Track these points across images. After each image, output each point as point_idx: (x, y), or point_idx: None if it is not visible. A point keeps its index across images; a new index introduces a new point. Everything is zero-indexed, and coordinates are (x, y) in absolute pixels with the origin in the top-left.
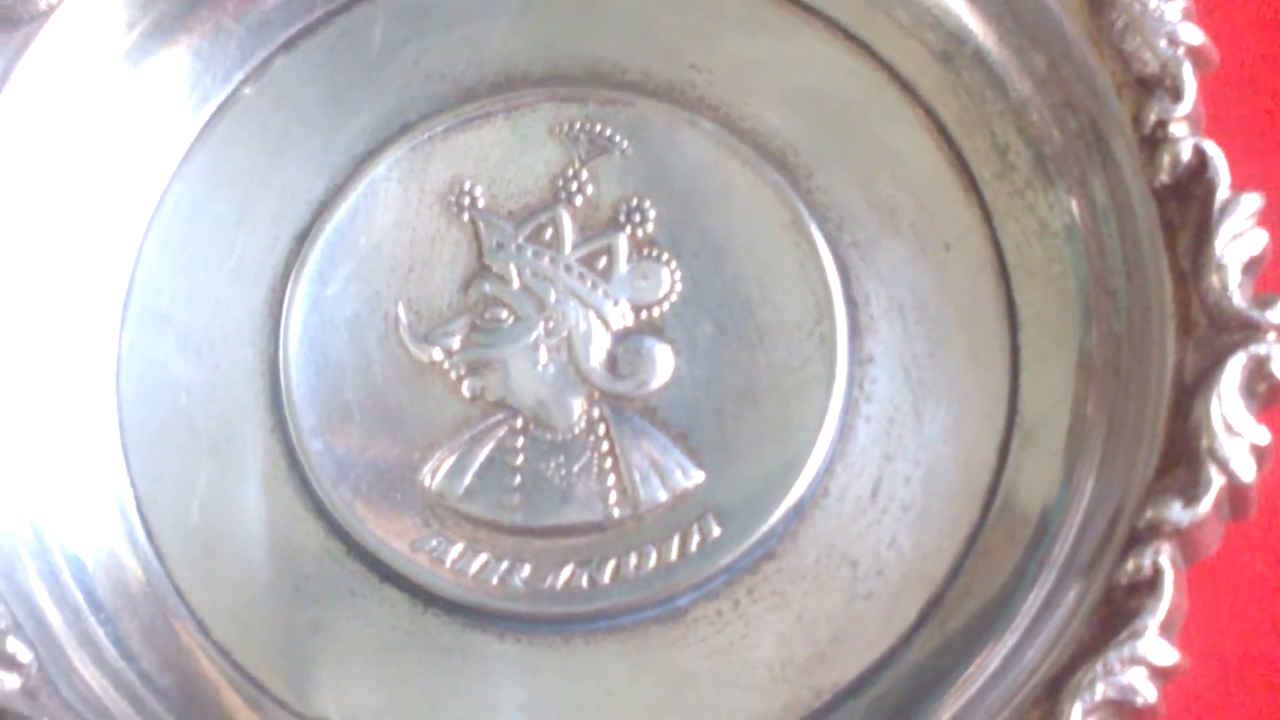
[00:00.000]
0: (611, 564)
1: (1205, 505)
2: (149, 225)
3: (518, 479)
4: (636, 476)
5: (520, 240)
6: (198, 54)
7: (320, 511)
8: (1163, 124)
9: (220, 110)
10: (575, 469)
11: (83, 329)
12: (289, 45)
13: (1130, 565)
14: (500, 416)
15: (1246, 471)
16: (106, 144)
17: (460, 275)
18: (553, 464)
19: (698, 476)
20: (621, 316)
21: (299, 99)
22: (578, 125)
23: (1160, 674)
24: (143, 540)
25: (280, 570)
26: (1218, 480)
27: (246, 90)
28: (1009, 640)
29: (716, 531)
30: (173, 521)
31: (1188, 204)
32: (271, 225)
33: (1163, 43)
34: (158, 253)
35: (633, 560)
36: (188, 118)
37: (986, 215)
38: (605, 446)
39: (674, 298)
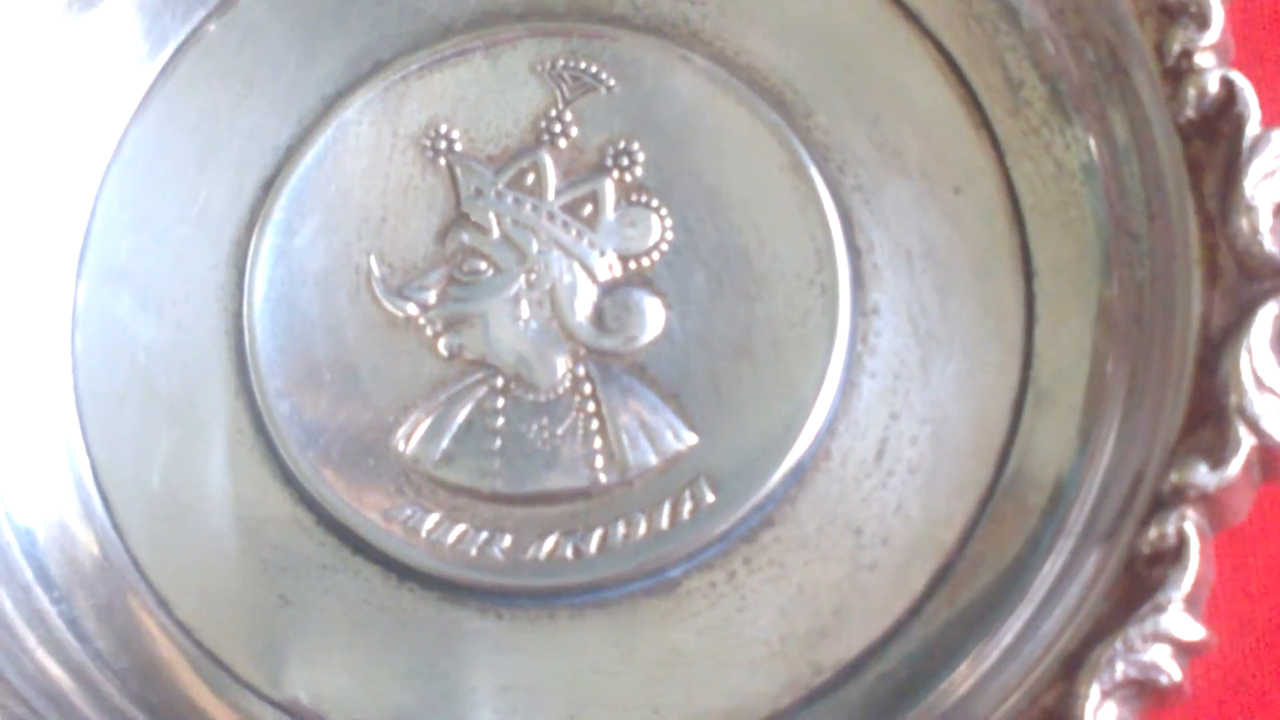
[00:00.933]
0: (598, 533)
1: (1234, 467)
2: (105, 174)
3: (498, 442)
4: (625, 439)
5: (500, 186)
6: None
7: (288, 479)
8: (1187, 54)
9: (181, 50)
10: (559, 431)
11: (35, 285)
12: None
13: (1153, 533)
14: (479, 376)
15: (1278, 430)
16: (58, 87)
17: (436, 224)
18: (535, 426)
19: (690, 438)
20: (608, 267)
21: (265, 36)
22: (561, 62)
23: (1185, 650)
24: (99, 511)
25: (246, 542)
26: (1247, 440)
27: (210, 27)
28: (1023, 614)
29: (710, 497)
30: (131, 491)
31: (1215, 141)
32: (236, 172)
33: None
34: (115, 203)
35: (621, 529)
36: (145, 59)
37: (999, 155)
38: (591, 407)
39: (664, 247)
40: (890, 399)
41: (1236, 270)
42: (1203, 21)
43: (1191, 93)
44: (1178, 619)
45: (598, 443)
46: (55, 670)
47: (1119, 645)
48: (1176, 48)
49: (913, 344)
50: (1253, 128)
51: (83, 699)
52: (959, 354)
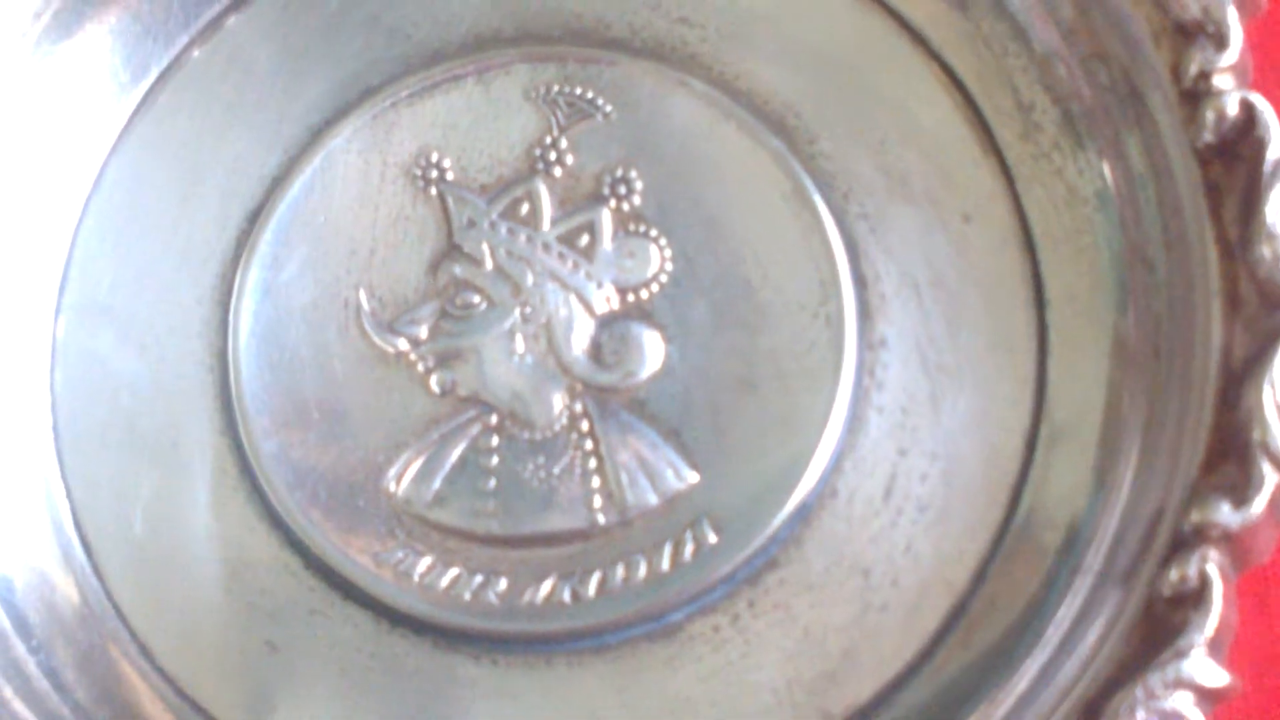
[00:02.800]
0: (597, 576)
1: (1258, 506)
2: (86, 206)
3: (493, 483)
4: (624, 478)
5: (494, 217)
6: (136, 15)
7: (275, 521)
8: (1205, 76)
9: (163, 77)
10: (556, 470)
11: (13, 320)
12: (240, 1)
13: (1174, 574)
14: (473, 413)
15: None
16: (37, 117)
17: (428, 256)
18: (531, 465)
19: (691, 477)
20: (606, 300)
21: (251, 63)
22: (555, 88)
23: (1208, 697)
24: (79, 556)
25: (232, 587)
26: (1271, 477)
27: (194, 53)
28: (1039, 658)
29: (713, 538)
30: (112, 534)
31: (1234, 165)
32: (220, 203)
33: None
34: (96, 236)
35: (620, 571)
36: (127, 87)
37: (1009, 181)
38: (589, 445)
39: (664, 278)
40: (899, 435)
41: (1258, 300)
42: (1221, 41)
43: (1210, 115)
44: (1200, 664)
45: (596, 482)
46: None
47: (1139, 692)
48: (1194, 69)
49: (921, 378)
50: (1274, 151)
51: None
52: (969, 388)
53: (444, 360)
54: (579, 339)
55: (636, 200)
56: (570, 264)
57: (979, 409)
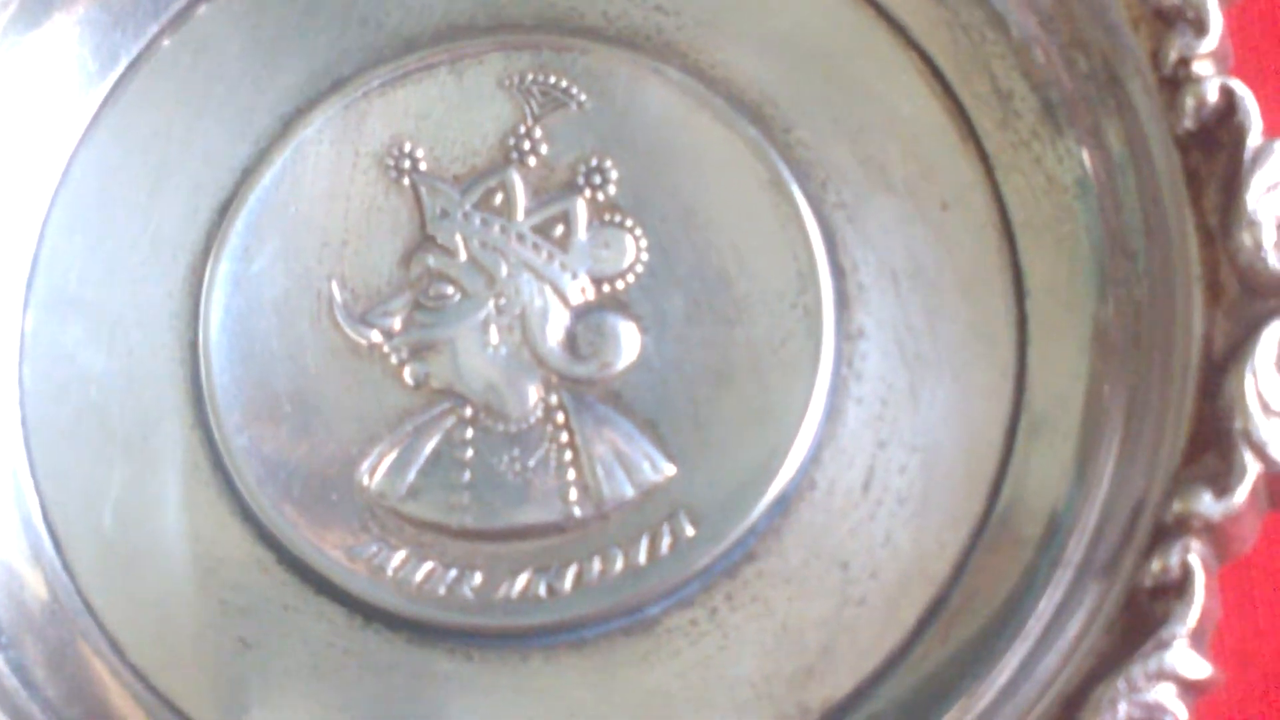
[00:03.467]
0: (573, 570)
1: (1240, 496)
2: (54, 198)
3: (467, 475)
4: (600, 471)
5: (467, 207)
6: (105, 5)
7: (247, 516)
8: (1185, 62)
9: (132, 67)
10: (531, 463)
11: None
12: None
13: (1155, 565)
14: (447, 405)
15: None
16: (4, 108)
17: (401, 248)
18: (506, 458)
19: (668, 469)
20: (581, 291)
21: (221, 52)
22: (529, 77)
23: (1191, 689)
24: (48, 551)
25: (203, 583)
26: (1253, 467)
27: (163, 43)
28: (1019, 651)
29: (690, 531)
30: (82, 530)
31: (1214, 153)
32: (190, 195)
33: None
34: (64, 228)
35: (596, 565)
36: (95, 77)
37: (988, 169)
38: (564, 437)
39: (639, 268)
40: (878, 426)
41: (1239, 288)
42: (1200, 28)
43: (1190, 102)
44: (1183, 655)
45: (571, 475)
46: None
47: (1121, 684)
48: (1173, 55)
49: (900, 368)
50: (1254, 138)
51: None
52: (949, 378)
53: (417, 352)
54: (554, 330)
55: (611, 190)
56: (545, 255)
57: (958, 399)
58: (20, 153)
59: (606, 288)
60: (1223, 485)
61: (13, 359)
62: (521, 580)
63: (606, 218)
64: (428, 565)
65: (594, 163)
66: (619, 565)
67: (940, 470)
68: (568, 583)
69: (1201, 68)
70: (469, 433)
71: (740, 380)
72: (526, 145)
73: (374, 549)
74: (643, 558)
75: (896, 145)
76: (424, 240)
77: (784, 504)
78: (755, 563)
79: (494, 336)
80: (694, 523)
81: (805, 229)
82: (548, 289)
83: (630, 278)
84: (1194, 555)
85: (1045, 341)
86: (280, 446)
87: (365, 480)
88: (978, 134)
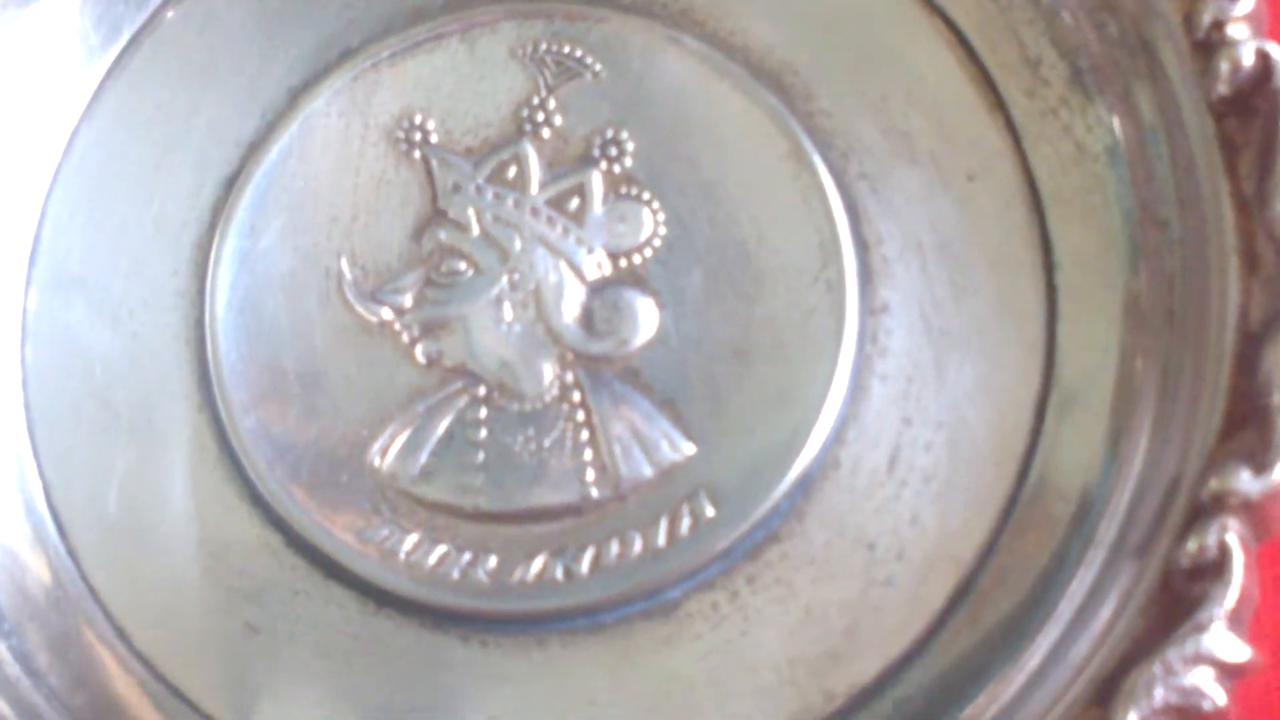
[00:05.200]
0: (590, 552)
1: (1279, 472)
2: (56, 174)
3: (481, 456)
4: (617, 450)
5: (480, 181)
6: None
7: (255, 499)
8: (1219, 25)
9: (135, 39)
10: (547, 443)
11: None
12: None
13: (1192, 545)
14: (460, 384)
15: None
16: (4, 83)
17: (411, 222)
18: (521, 438)
19: (687, 449)
20: (597, 265)
21: (227, 23)
22: (543, 46)
23: (1229, 672)
24: (52, 536)
25: (210, 567)
26: None
27: (167, 14)
28: (1050, 634)
29: (710, 512)
30: (86, 514)
31: (1250, 119)
32: (195, 170)
33: None
34: (66, 205)
35: (614, 548)
36: (97, 50)
37: (1015, 139)
38: (581, 416)
39: (657, 242)
40: (903, 403)
41: (1276, 258)
42: None
43: (1224, 67)
44: (1220, 638)
45: (588, 454)
46: (5, 710)
47: (1157, 668)
48: (1207, 19)
49: (926, 344)
50: None
51: None
52: (976, 354)
53: (429, 330)
54: (569, 306)
55: (628, 162)
56: (560, 229)
57: (986, 375)
58: (21, 128)
59: (623, 262)
60: (1261, 461)
61: (15, 339)
62: (538, 563)
63: (623, 190)
64: (441, 548)
65: (610, 134)
66: (638, 547)
67: (967, 448)
68: (585, 565)
69: (1236, 30)
70: (483, 412)
71: (761, 357)
72: (540, 117)
73: (386, 532)
74: (662, 539)
75: (921, 114)
76: (435, 215)
77: (807, 484)
78: (778, 544)
79: (508, 313)
80: (714, 503)
81: (827, 201)
82: (563, 264)
83: (648, 252)
84: (1231, 534)
85: (1075, 315)
86: (289, 427)
87: (376, 461)
88: (1004, 102)
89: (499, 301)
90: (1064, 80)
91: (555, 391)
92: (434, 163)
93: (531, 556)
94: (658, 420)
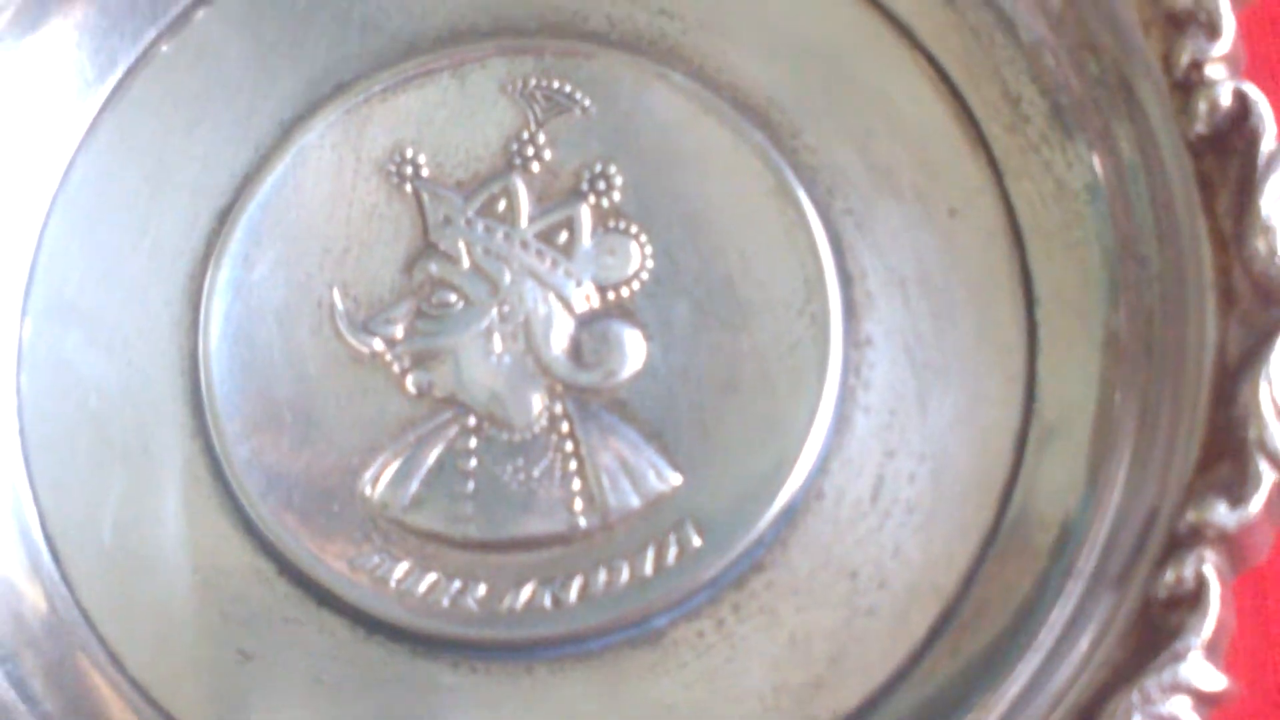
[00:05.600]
0: (578, 581)
1: (1255, 505)
2: (52, 204)
3: (471, 485)
4: (605, 480)
5: (470, 214)
6: (103, 9)
7: (248, 527)
8: (1197, 66)
9: (130, 72)
10: (536, 473)
11: None
12: None
13: (1169, 576)
14: (450, 415)
15: None
16: (1, 113)
17: (403, 255)
18: (510, 468)
19: (674, 479)
20: (585, 298)
21: (221, 57)
22: (533, 82)
23: (1206, 701)
24: (47, 563)
25: (204, 595)
26: (1269, 476)
27: (162, 48)
28: (1031, 663)
29: (696, 541)
30: (81, 541)
31: (1227, 157)
32: (190, 201)
33: None
34: (62, 235)
35: (602, 576)
36: (94, 82)
37: (997, 175)
38: (569, 447)
39: (645, 275)
40: (886, 435)
41: (1253, 294)
42: (1213, 31)
43: (1202, 106)
44: (1198, 667)
45: (576, 484)
46: None
47: (1135, 697)
48: (1185, 59)
49: (909, 376)
50: (1268, 143)
51: None
52: (958, 386)
53: (420, 361)
54: (558, 338)
55: (616, 196)
56: (549, 262)
57: (967, 408)
58: (18, 158)
59: (611, 295)
60: (1237, 494)
61: (10, 367)
62: (526, 591)
63: (611, 224)
64: (431, 576)
65: (598, 168)
66: (625, 576)
67: (949, 479)
68: (573, 594)
69: (1214, 71)
70: (472, 442)
71: (747, 389)
72: (530, 151)
73: (376, 560)
74: (649, 568)
75: (904, 150)
76: (426, 247)
77: (791, 514)
78: (763, 573)
79: (497, 345)
80: (700, 533)
81: (812, 235)
82: (552, 296)
83: (635, 285)
84: (1208, 566)
85: (1055, 349)
86: (281, 456)
87: (368, 490)
88: (986, 139)
89: (489, 333)
90: (1045, 118)
91: (544, 422)
92: (425, 196)
93: (520, 585)
94: (645, 451)
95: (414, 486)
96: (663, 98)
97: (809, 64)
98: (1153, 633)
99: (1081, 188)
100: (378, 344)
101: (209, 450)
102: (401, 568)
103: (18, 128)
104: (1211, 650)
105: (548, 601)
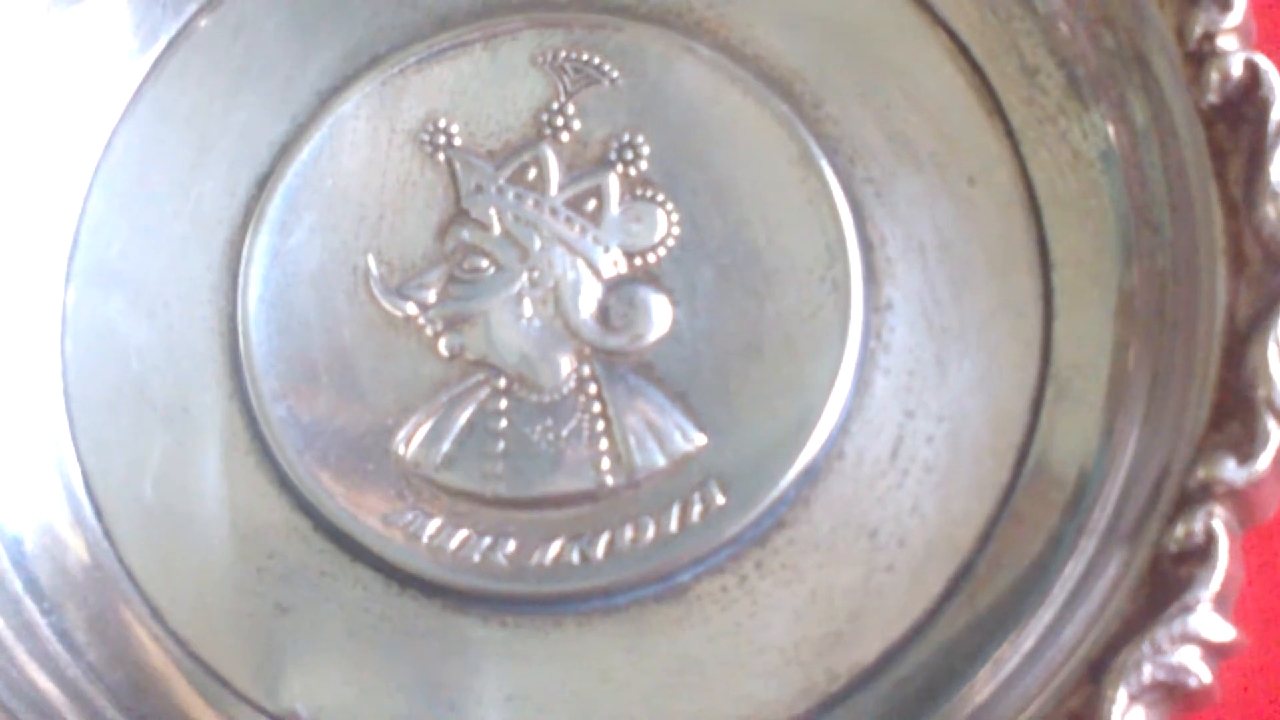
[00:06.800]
0: (605, 537)
1: (1263, 462)
2: (95, 172)
3: (501, 445)
4: (632, 440)
5: (501, 182)
6: None
7: (284, 484)
8: (1210, 37)
9: (172, 45)
10: (564, 433)
11: (23, 287)
12: None
13: (1179, 531)
14: (481, 376)
15: None
16: (46, 84)
17: (436, 221)
18: (539, 428)
19: (699, 439)
20: (613, 264)
21: (259, 30)
22: (563, 54)
23: (1215, 652)
24: (90, 519)
25: (242, 550)
26: (1276, 434)
27: (202, 22)
28: (1045, 616)
29: (720, 499)
30: (123, 498)
31: (1239, 126)
32: (229, 170)
33: None
34: (105, 202)
35: (628, 533)
36: (136, 54)
37: (1014, 145)
38: (597, 408)
39: (671, 242)
40: (905, 396)
41: (1263, 259)
42: (1225, 3)
43: (1214, 77)
44: (1207, 619)
45: (604, 444)
46: (46, 684)
47: (1146, 647)
48: (1198, 30)
49: (927, 340)
50: (1278, 112)
51: (74, 713)
52: (975, 349)
53: (452, 324)
54: (586, 303)
55: (643, 165)
56: (578, 228)
57: (985, 370)
58: (62, 128)
59: (638, 261)
60: (1246, 452)
61: (55, 332)
62: (555, 548)
63: (638, 192)
64: (462, 533)
65: (626, 138)
66: (651, 533)
67: (967, 440)
68: (600, 550)
69: (1226, 42)
70: (503, 403)
71: (770, 352)
72: (560, 121)
73: (410, 517)
74: (674, 526)
75: (924, 121)
76: (458, 214)
77: (813, 473)
78: (785, 531)
79: (527, 309)
80: (724, 491)
81: (834, 203)
82: (580, 262)
83: (662, 251)
84: (1217, 521)
85: (1071, 313)
86: (317, 416)
87: (401, 449)
88: (1004, 109)
89: (519, 298)
90: (1061, 89)
91: (572, 384)
92: (457, 165)
93: (549, 541)
94: (670, 412)
95: (446, 446)
96: (689, 69)
97: (831, 37)
98: (1163, 586)
99: (1097, 156)
100: (411, 308)
101: (247, 410)
102: (434, 524)
103: (62, 98)
104: (1220, 603)
105: (576, 557)
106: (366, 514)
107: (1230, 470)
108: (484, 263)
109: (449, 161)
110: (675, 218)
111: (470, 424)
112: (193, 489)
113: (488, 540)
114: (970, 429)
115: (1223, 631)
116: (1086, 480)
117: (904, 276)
